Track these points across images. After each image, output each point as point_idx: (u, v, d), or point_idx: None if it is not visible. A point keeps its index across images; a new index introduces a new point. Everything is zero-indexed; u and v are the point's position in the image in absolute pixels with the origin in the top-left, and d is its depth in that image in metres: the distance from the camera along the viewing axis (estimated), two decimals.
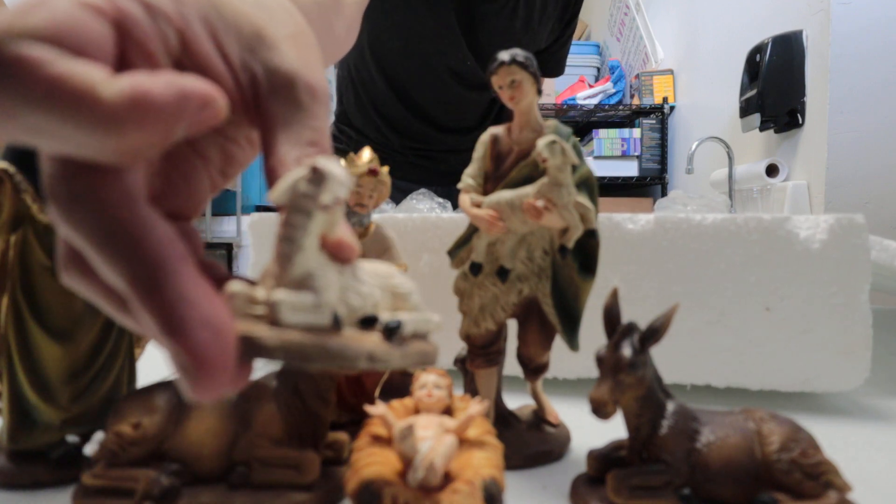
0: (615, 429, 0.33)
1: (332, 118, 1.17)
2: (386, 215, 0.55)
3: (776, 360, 0.49)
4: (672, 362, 0.50)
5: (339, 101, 1.14)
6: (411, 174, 1.08)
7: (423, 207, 0.65)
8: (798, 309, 0.48)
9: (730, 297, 0.49)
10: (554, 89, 2.77)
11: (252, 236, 0.58)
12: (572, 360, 0.48)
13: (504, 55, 0.34)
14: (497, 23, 0.96)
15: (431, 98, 1.05)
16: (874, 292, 0.48)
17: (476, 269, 0.37)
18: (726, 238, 0.49)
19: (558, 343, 0.38)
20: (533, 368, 0.40)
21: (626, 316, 0.32)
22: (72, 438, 0.35)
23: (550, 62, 1.12)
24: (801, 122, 1.61)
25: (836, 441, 0.41)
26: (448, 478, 0.27)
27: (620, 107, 2.71)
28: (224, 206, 3.17)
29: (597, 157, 2.53)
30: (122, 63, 0.18)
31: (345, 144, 1.13)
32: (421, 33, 0.96)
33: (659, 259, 0.50)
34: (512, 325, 0.40)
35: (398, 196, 0.73)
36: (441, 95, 1.04)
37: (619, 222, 0.50)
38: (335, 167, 0.19)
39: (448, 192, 0.72)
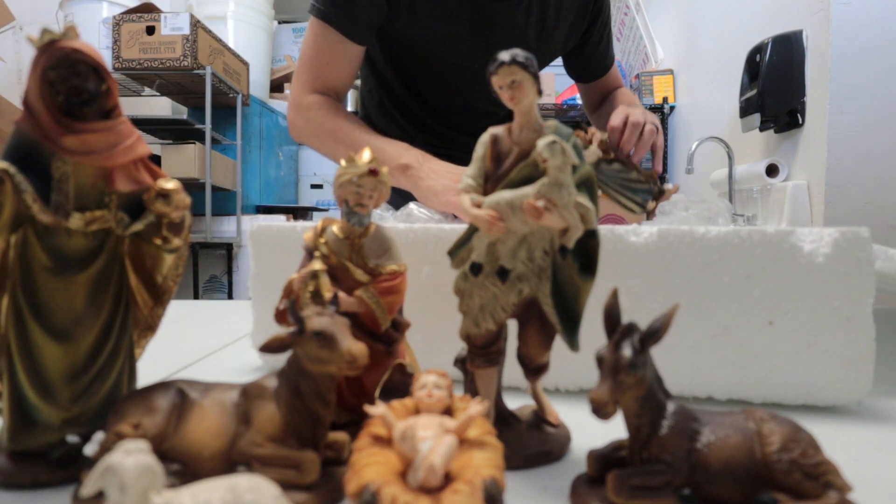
0: (615, 429, 0.33)
1: None
2: (387, 224, 0.55)
3: (779, 374, 0.49)
4: (675, 375, 0.49)
5: (363, 106, 1.19)
6: None
7: (422, 216, 0.64)
8: (802, 322, 0.48)
9: (733, 310, 0.48)
10: (554, 89, 2.77)
11: (252, 246, 0.56)
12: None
13: (504, 55, 0.34)
14: (511, 22, 0.97)
15: (459, 108, 1.09)
16: (878, 294, 0.48)
17: (476, 269, 0.37)
18: (730, 251, 0.48)
19: (559, 344, 0.38)
20: (533, 369, 0.40)
21: None
22: (72, 438, 0.35)
23: (592, 63, 1.14)
24: (801, 122, 1.61)
25: (836, 441, 0.41)
26: (448, 478, 0.27)
27: None
28: (224, 206, 3.17)
29: None
30: None
31: None
32: (442, 46, 0.98)
33: (662, 272, 0.49)
34: (512, 325, 0.40)
35: (399, 201, 0.73)
36: (467, 106, 1.08)
37: (621, 235, 0.50)
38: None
39: None
